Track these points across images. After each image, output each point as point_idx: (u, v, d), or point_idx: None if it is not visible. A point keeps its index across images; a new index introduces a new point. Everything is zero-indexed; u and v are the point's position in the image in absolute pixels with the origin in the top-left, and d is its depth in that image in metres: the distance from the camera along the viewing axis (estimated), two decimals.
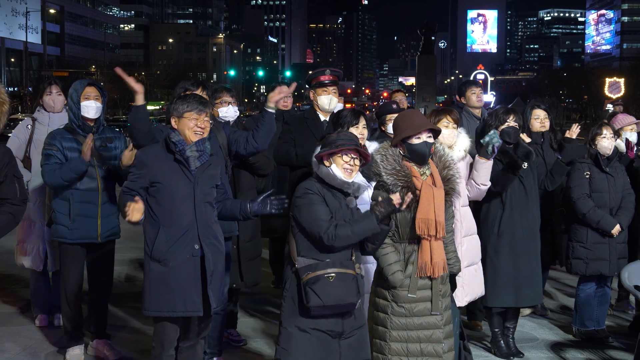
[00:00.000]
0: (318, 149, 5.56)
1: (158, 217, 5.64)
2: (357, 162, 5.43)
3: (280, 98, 6.67)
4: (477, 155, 6.97)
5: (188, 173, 5.66)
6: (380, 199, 5.35)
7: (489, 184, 7.03)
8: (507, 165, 7.17)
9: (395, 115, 6.92)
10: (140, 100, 6.35)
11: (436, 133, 5.82)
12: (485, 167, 6.94)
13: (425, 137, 5.69)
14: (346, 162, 5.38)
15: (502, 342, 7.57)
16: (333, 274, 5.23)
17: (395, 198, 5.30)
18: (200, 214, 5.68)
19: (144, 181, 5.61)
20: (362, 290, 5.40)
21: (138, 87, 6.33)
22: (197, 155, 5.68)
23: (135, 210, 5.40)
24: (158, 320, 5.77)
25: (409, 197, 5.38)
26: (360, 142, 6.50)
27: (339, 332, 5.35)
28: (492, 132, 6.93)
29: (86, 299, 7.50)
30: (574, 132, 8.38)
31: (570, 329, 8.32)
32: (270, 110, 6.69)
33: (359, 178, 5.49)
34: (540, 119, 8.39)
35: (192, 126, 5.69)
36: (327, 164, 5.39)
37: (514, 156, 7.14)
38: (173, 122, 5.75)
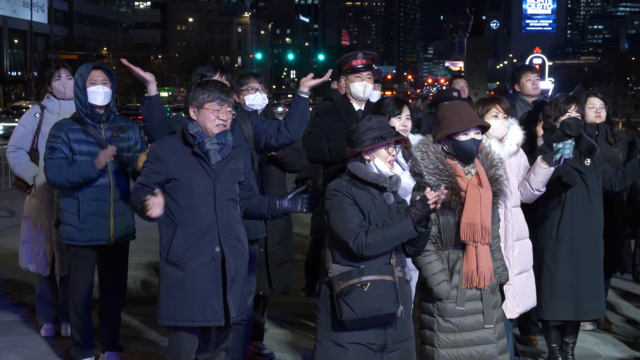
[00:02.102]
0: None
1: (175, 216, 5.67)
2: (397, 149, 5.44)
3: (316, 84, 6.62)
4: (539, 158, 6.87)
5: (208, 168, 5.69)
6: (417, 197, 5.30)
7: (543, 189, 6.97)
8: (559, 179, 7.09)
9: None
10: (152, 90, 6.46)
11: (484, 129, 5.81)
12: (544, 174, 6.84)
13: (473, 134, 5.68)
14: (390, 153, 5.37)
15: (560, 359, 7.54)
16: (368, 283, 5.20)
17: (430, 195, 5.20)
18: (222, 213, 5.70)
19: (159, 177, 5.65)
20: (404, 297, 5.37)
21: (148, 76, 6.44)
22: (217, 148, 5.70)
23: (156, 205, 5.41)
24: (174, 330, 5.79)
25: (443, 192, 5.28)
26: (402, 134, 6.52)
27: (382, 345, 5.34)
28: (569, 141, 6.79)
29: (97, 307, 7.56)
30: None
31: (637, 345, 8.27)
32: (303, 95, 6.62)
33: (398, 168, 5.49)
34: (595, 109, 8.31)
35: (214, 118, 5.71)
36: (368, 158, 5.36)
37: (568, 173, 7.04)
38: (192, 112, 5.76)
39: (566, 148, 6.74)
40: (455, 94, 7.88)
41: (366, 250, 5.19)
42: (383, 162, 5.35)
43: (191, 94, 5.81)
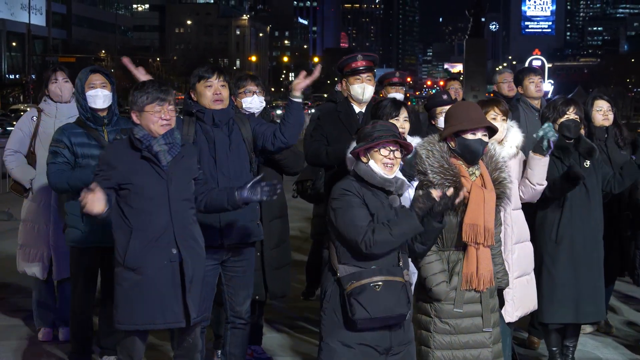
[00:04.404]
0: (353, 144, 5.55)
1: (130, 220, 5.69)
2: (398, 154, 5.42)
3: (306, 85, 6.59)
4: (531, 152, 6.91)
5: (159, 170, 5.71)
6: (420, 192, 5.37)
7: (545, 183, 6.97)
8: (566, 176, 7.06)
9: (447, 107, 6.90)
10: None
11: (492, 132, 5.81)
12: (541, 165, 6.88)
13: (480, 135, 5.69)
14: (385, 156, 5.38)
15: None
16: (380, 283, 5.25)
17: (435, 192, 5.31)
18: (177, 214, 5.73)
19: (110, 182, 5.63)
20: (412, 299, 5.42)
21: (147, 79, 6.38)
22: (166, 148, 5.72)
23: (95, 200, 5.37)
24: (128, 334, 5.83)
25: (450, 191, 5.39)
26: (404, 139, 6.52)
27: (387, 348, 5.37)
28: (546, 125, 6.89)
29: (97, 311, 7.55)
30: None
31: (638, 349, 8.26)
32: (296, 100, 6.60)
33: (400, 174, 5.50)
34: (603, 111, 8.28)
35: (156, 119, 5.72)
36: (364, 160, 5.40)
37: (574, 167, 7.01)
38: (134, 116, 5.78)
39: (547, 132, 6.77)
40: (445, 97, 7.85)
41: (375, 248, 5.23)
42: (378, 164, 5.37)
43: (130, 98, 5.82)
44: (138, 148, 5.70)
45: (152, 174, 5.68)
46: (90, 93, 7.17)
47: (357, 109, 7.55)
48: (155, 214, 5.67)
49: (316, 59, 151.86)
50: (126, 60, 7.07)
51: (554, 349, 7.55)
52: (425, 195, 5.32)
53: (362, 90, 7.52)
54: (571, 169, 6.91)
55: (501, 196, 5.82)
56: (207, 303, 6.07)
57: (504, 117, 6.80)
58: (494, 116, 6.74)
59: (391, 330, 5.37)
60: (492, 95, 10.32)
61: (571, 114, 7.27)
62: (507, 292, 6.59)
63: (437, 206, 5.33)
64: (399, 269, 5.35)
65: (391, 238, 5.23)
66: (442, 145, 5.76)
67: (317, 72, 6.68)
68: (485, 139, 5.73)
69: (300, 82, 6.56)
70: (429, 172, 5.67)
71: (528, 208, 7.25)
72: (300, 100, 6.60)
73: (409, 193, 6.15)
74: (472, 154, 5.71)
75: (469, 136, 5.68)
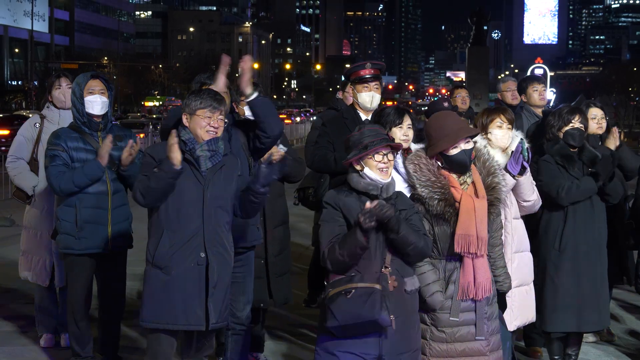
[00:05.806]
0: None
1: (162, 220, 5.77)
2: (391, 156, 5.40)
3: (250, 77, 6.29)
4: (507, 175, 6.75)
5: (198, 174, 5.78)
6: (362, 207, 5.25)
7: (534, 197, 6.91)
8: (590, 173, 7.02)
9: None
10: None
11: (474, 135, 5.79)
12: (522, 184, 6.78)
13: (463, 145, 5.65)
14: (379, 161, 5.36)
15: None
16: (352, 290, 5.20)
17: (366, 205, 5.18)
18: (209, 219, 5.79)
19: None
20: (399, 307, 5.30)
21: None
22: (208, 155, 5.78)
23: (177, 150, 5.58)
24: (154, 332, 5.87)
25: (367, 206, 5.18)
26: (404, 144, 6.51)
27: (376, 356, 5.29)
28: (518, 141, 6.66)
29: (96, 317, 7.54)
30: (613, 138, 8.14)
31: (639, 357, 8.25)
32: (252, 99, 6.35)
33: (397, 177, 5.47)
34: (597, 119, 8.26)
35: (205, 125, 5.79)
36: (358, 167, 5.39)
37: (590, 156, 6.96)
38: (184, 119, 5.85)
39: (523, 152, 6.56)
40: (445, 104, 7.83)
41: (330, 266, 5.26)
42: (373, 170, 5.35)
43: (185, 100, 5.90)
44: (181, 150, 5.76)
45: (191, 177, 5.77)
46: (89, 99, 7.17)
47: (363, 116, 7.55)
48: (188, 216, 5.75)
49: (318, 66, 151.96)
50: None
51: (556, 357, 7.55)
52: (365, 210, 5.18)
53: (371, 98, 7.52)
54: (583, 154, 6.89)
55: (495, 202, 5.79)
56: (245, 312, 6.32)
57: (510, 126, 6.77)
58: (500, 124, 6.71)
59: (381, 339, 5.26)
60: (495, 102, 10.32)
61: (576, 123, 7.27)
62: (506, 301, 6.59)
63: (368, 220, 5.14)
64: (380, 275, 5.25)
65: (340, 257, 5.22)
66: (430, 159, 5.74)
67: (248, 62, 6.38)
68: (469, 146, 5.68)
69: (242, 81, 6.32)
70: (417, 185, 5.67)
71: (530, 217, 7.25)
72: (254, 95, 6.35)
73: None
74: (460, 166, 5.69)
75: (451, 151, 5.65)
